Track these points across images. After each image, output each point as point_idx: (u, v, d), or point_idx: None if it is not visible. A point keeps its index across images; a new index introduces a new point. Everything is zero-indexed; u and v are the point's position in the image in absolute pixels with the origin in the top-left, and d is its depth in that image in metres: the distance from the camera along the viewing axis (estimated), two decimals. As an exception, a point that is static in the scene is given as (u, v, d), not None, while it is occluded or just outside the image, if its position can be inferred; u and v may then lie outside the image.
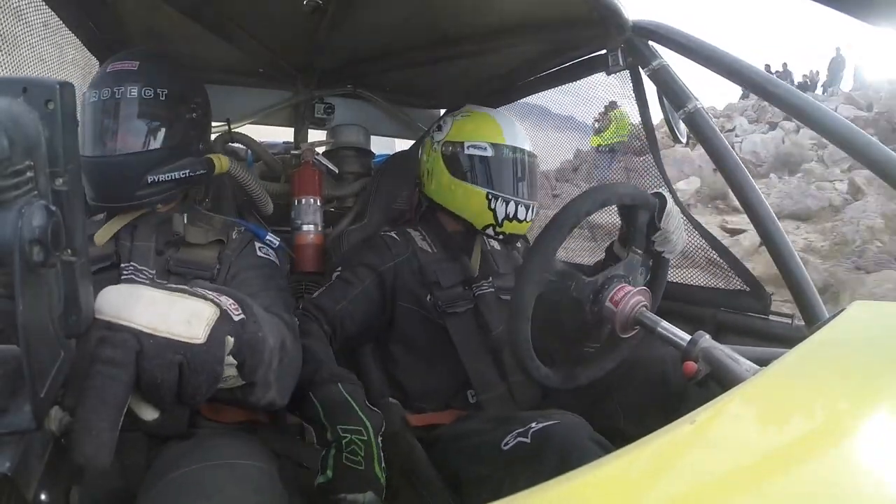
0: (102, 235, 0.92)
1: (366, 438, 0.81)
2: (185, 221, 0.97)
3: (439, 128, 1.25)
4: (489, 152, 1.16)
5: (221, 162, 1.04)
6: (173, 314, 0.48)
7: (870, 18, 0.64)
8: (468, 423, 1.00)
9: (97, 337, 0.44)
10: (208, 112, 1.05)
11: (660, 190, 0.96)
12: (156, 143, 0.94)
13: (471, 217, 1.16)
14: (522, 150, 1.19)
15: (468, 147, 1.17)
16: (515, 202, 1.14)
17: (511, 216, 1.14)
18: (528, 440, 0.78)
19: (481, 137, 1.17)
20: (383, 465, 0.81)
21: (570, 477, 0.33)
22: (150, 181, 0.92)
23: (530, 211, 1.17)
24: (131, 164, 0.92)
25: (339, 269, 1.15)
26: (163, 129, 0.94)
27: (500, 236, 1.16)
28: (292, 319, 0.86)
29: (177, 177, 0.95)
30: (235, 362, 0.56)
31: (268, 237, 1.02)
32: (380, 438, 0.84)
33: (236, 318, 0.56)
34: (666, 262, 0.99)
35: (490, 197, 1.14)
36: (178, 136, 0.96)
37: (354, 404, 0.85)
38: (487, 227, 1.15)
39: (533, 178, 1.20)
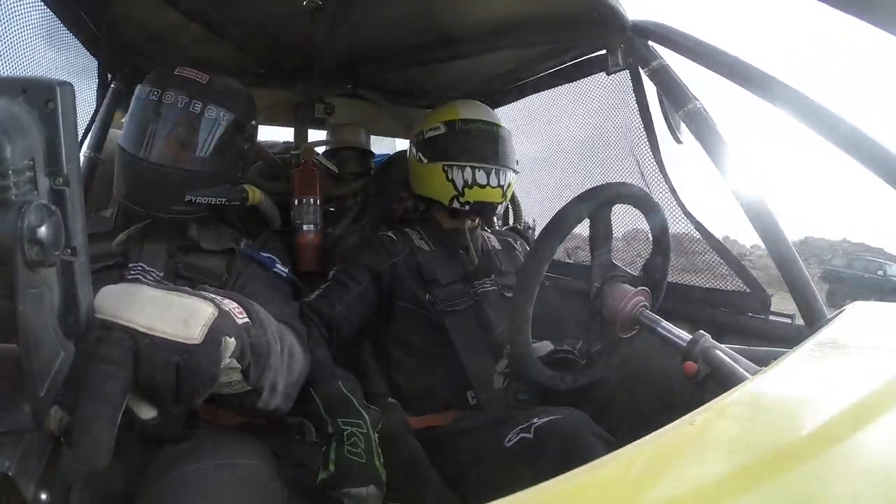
0: (121, 239, 0.92)
1: (365, 431, 0.83)
2: (202, 227, 0.97)
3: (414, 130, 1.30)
4: (442, 130, 1.20)
5: (255, 195, 1.04)
6: (170, 314, 0.48)
7: (870, 18, 0.64)
8: (470, 422, 1.00)
9: (95, 336, 0.44)
10: (255, 142, 1.05)
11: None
12: (204, 165, 0.93)
13: (436, 195, 1.19)
14: (479, 121, 1.20)
15: (427, 132, 1.22)
16: (472, 168, 1.16)
17: (470, 182, 1.15)
18: (531, 435, 0.79)
19: (438, 120, 1.22)
20: (381, 460, 0.82)
21: (570, 477, 0.33)
22: (187, 199, 0.91)
23: (493, 175, 1.17)
24: (176, 179, 0.91)
25: (336, 269, 1.15)
26: (214, 152, 0.94)
27: (467, 206, 1.17)
28: (301, 327, 0.86)
29: (213, 202, 0.94)
30: (240, 366, 0.56)
31: (276, 268, 1.00)
32: (376, 435, 0.85)
33: (240, 322, 0.55)
34: (666, 263, 0.98)
35: (446, 168, 1.17)
36: (225, 162, 0.96)
37: (354, 400, 0.87)
38: (452, 200, 1.17)
39: (496, 145, 1.20)
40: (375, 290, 1.12)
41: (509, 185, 1.22)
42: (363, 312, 1.11)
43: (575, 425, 0.78)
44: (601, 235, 0.89)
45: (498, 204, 1.22)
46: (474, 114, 1.22)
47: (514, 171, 1.23)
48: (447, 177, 1.16)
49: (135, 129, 0.91)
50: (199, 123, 0.91)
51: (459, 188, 1.16)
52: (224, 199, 0.96)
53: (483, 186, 1.16)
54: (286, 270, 1.02)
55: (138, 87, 0.95)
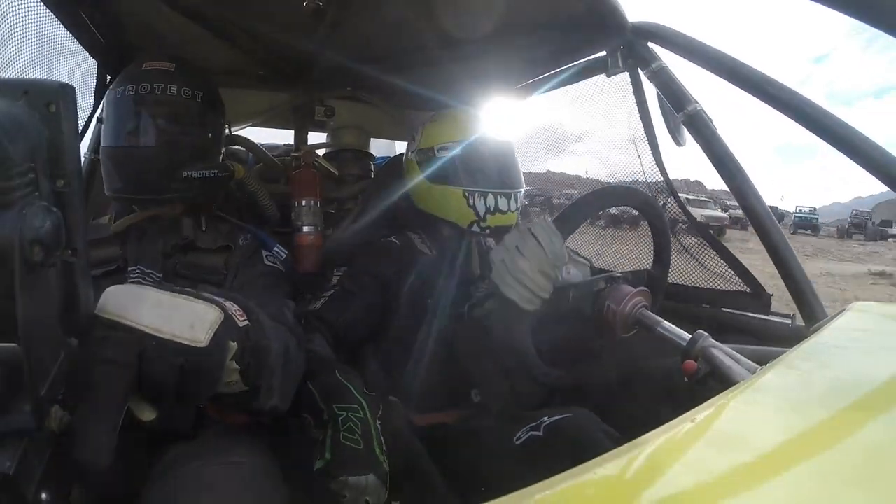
0: (119, 225, 0.95)
1: (362, 416, 0.80)
2: (202, 228, 0.99)
3: (412, 139, 1.26)
4: (458, 150, 1.16)
5: (239, 170, 1.08)
6: (177, 316, 0.48)
7: (870, 18, 0.64)
8: (478, 420, 1.00)
9: (100, 336, 0.44)
10: (224, 119, 1.09)
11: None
12: (190, 141, 0.96)
13: (454, 217, 1.16)
14: (493, 141, 1.18)
15: (438, 150, 1.18)
16: (494, 194, 1.13)
17: (492, 209, 1.13)
18: (541, 433, 0.79)
19: (449, 137, 1.18)
20: (384, 449, 0.78)
21: (570, 475, 0.34)
22: (183, 176, 0.94)
23: (512, 200, 1.15)
24: (167, 156, 0.94)
25: (340, 275, 1.13)
26: (195, 129, 0.97)
27: (487, 231, 1.15)
28: (297, 327, 0.86)
29: (207, 175, 0.98)
30: (239, 368, 0.56)
31: (276, 248, 1.03)
32: (378, 422, 0.82)
33: (241, 325, 0.56)
34: (666, 262, 0.99)
35: (467, 194, 1.13)
36: (206, 137, 0.99)
37: (350, 386, 0.85)
38: (472, 224, 1.14)
39: (510, 165, 1.19)
40: (381, 297, 1.11)
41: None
42: (369, 319, 1.10)
43: (584, 423, 0.79)
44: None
45: (513, 225, 1.20)
46: (486, 131, 1.19)
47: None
48: (468, 202, 1.13)
49: (119, 124, 0.94)
50: (177, 104, 0.95)
51: (481, 214, 1.13)
52: (216, 171, 0.99)
53: (504, 212, 1.14)
54: (285, 252, 1.03)
55: (110, 90, 0.98)
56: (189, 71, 1.00)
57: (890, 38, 0.61)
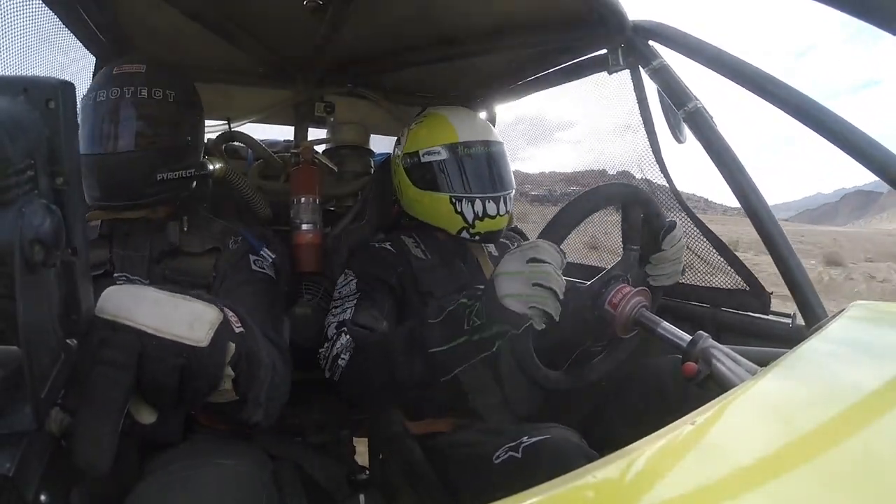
0: (98, 216, 0.94)
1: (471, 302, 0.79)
2: (184, 229, 0.97)
3: (399, 142, 1.22)
4: (443, 155, 1.12)
5: (219, 168, 1.07)
6: (177, 316, 0.48)
7: (870, 18, 0.64)
8: (464, 433, 0.98)
9: (99, 337, 0.43)
10: (203, 117, 1.07)
11: (674, 218, 0.93)
12: (164, 143, 0.95)
13: (442, 224, 1.14)
14: (480, 143, 1.14)
15: (423, 155, 1.14)
16: (482, 200, 1.10)
17: (481, 215, 1.10)
18: (519, 455, 0.77)
19: (434, 142, 1.14)
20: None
21: (571, 477, 0.34)
22: (158, 179, 0.93)
23: (501, 203, 1.12)
24: (141, 160, 0.92)
25: (354, 280, 1.08)
26: (170, 130, 0.95)
27: (477, 237, 1.12)
28: (282, 341, 0.85)
29: (184, 175, 0.96)
30: (233, 374, 0.56)
31: (263, 251, 1.00)
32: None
33: (237, 330, 0.56)
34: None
35: (454, 201, 1.11)
36: (182, 137, 0.98)
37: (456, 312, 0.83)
38: (461, 230, 1.12)
39: (499, 167, 1.15)
40: (395, 302, 1.09)
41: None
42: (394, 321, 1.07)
43: (564, 446, 0.76)
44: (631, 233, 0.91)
45: (505, 228, 1.17)
46: (473, 133, 1.14)
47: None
48: (455, 209, 1.10)
49: (93, 131, 0.92)
50: (149, 105, 0.93)
51: (470, 221, 1.10)
52: (193, 170, 0.98)
53: (494, 217, 1.11)
54: (273, 256, 1.01)
55: (82, 96, 0.96)
56: (160, 71, 0.97)
57: (873, 31, 0.61)
